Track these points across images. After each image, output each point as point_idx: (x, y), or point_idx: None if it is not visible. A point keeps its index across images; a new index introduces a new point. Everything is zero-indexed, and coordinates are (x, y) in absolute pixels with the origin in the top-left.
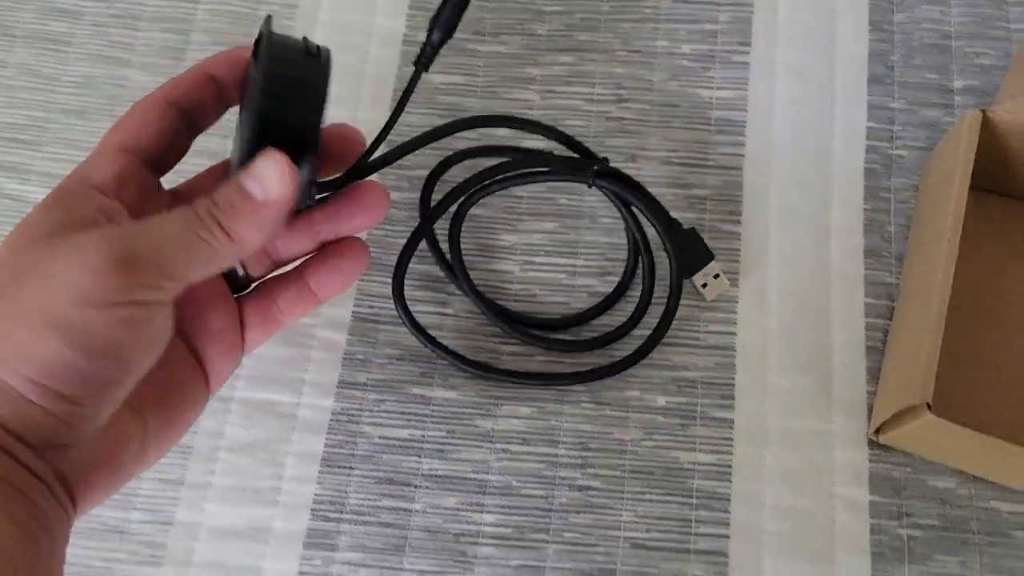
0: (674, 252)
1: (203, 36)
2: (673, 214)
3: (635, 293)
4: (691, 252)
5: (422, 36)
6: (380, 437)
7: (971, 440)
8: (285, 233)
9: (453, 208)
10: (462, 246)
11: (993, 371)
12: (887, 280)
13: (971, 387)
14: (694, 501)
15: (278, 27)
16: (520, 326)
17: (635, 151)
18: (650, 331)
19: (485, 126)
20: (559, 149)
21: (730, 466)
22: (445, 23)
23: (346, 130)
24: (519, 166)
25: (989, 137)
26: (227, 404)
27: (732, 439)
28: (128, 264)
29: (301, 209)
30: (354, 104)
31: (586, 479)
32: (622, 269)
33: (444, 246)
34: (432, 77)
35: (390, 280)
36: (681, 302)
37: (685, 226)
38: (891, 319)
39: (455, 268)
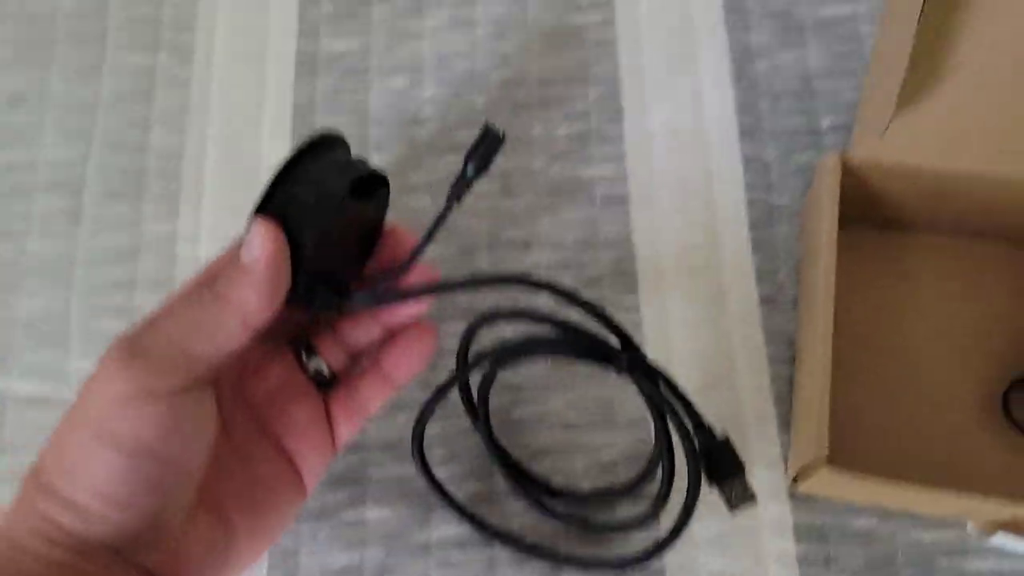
0: (698, 459)
1: (95, 195)
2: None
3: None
4: (719, 460)
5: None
6: (320, 568)
7: (872, 485)
8: (351, 323)
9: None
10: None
11: (890, 401)
12: (785, 327)
13: (871, 420)
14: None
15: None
16: (533, 491)
17: (528, 239)
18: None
19: (529, 284)
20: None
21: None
22: (481, 158)
23: (394, 232)
24: (555, 341)
25: (850, 176)
26: None
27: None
28: (135, 355)
29: (333, 310)
30: None
31: None
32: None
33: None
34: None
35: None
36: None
37: (719, 434)
38: (792, 365)
39: (481, 427)
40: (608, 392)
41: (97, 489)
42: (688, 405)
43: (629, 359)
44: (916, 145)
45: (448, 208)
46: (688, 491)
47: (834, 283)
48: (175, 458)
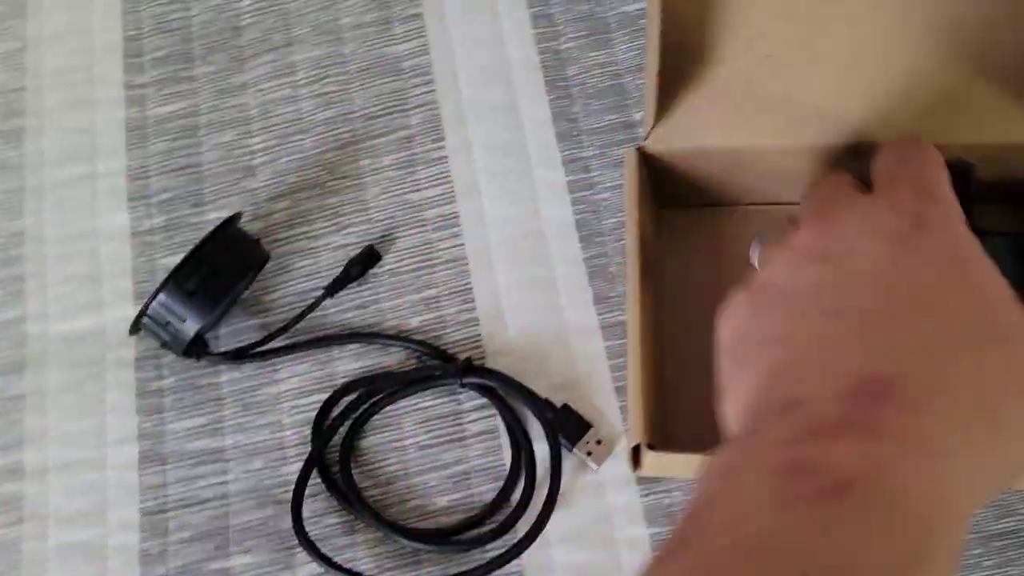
0: (550, 428)
1: None
2: (412, 319)
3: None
4: (568, 425)
5: (147, 223)
6: None
7: (695, 463)
8: None
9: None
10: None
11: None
12: (620, 319)
13: (697, 397)
14: None
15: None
16: (427, 539)
17: (371, 275)
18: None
19: (354, 341)
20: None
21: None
22: (360, 268)
23: None
24: (391, 388)
25: (655, 165)
26: None
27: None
28: None
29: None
30: (99, 309)
31: None
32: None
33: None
34: (165, 260)
35: (171, 467)
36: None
37: (557, 404)
38: None
39: (351, 496)
40: (452, 408)
41: None
42: (523, 388)
43: (462, 368)
44: (701, 127)
45: (321, 299)
46: (552, 460)
47: (639, 269)
48: None
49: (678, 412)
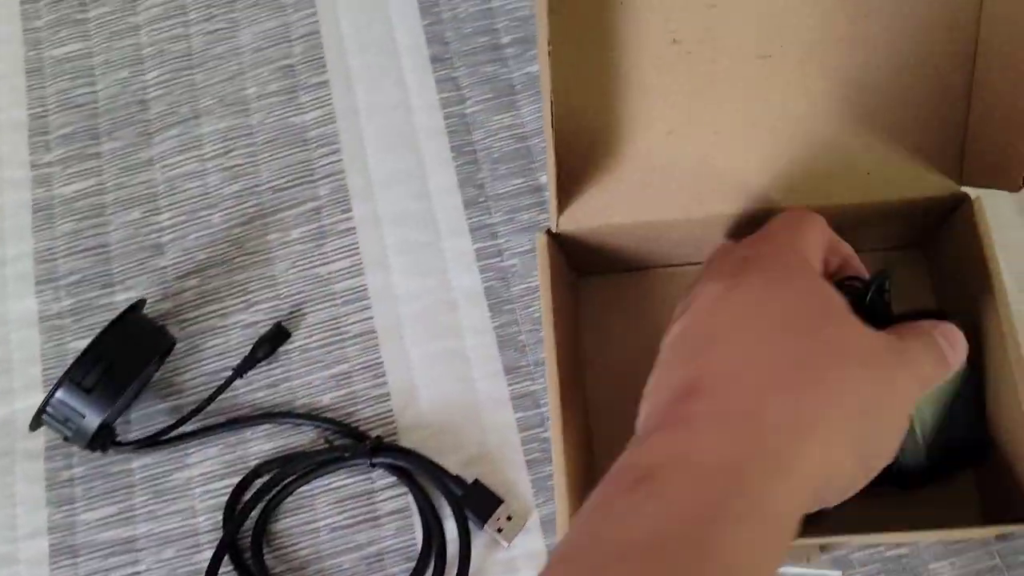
0: (458, 507)
1: None
2: (323, 396)
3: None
4: (479, 501)
5: (56, 307)
6: None
7: None
8: None
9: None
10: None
11: None
12: (530, 388)
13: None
14: None
15: None
16: None
17: (281, 353)
18: None
19: (266, 421)
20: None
21: None
22: (269, 346)
23: None
24: (303, 469)
25: (570, 242)
26: None
27: None
28: None
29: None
30: (9, 397)
31: None
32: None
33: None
34: (77, 344)
35: (83, 559)
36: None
37: (468, 480)
38: (541, 427)
39: None
40: (366, 487)
41: None
42: (432, 466)
43: (372, 447)
44: (608, 205)
45: (231, 380)
46: (460, 540)
47: (556, 356)
48: None
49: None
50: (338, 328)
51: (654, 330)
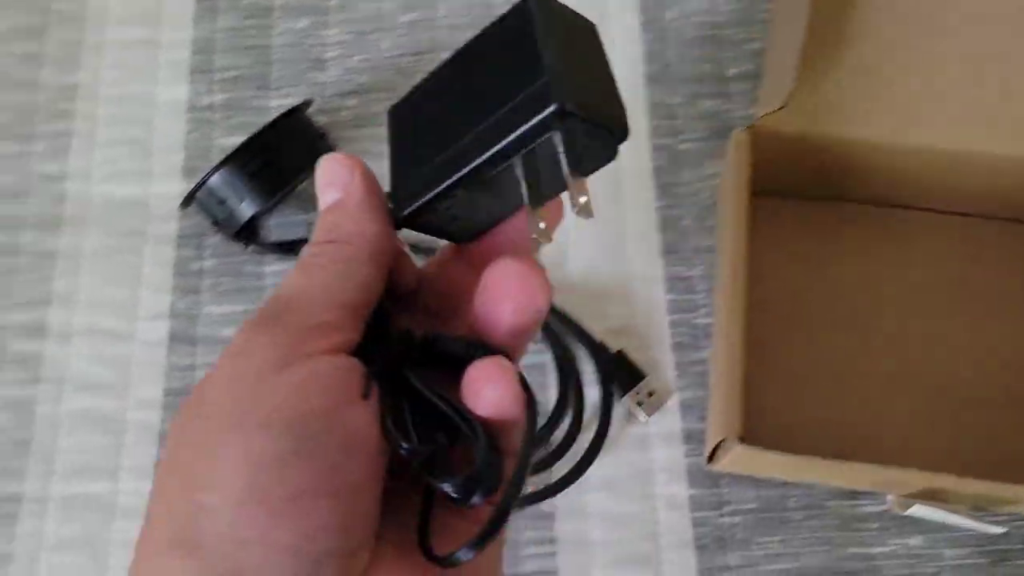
0: (605, 372)
1: None
2: None
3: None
4: (622, 373)
5: (207, 99)
6: None
7: (788, 461)
8: None
9: None
10: None
11: (807, 374)
12: (687, 274)
13: (788, 394)
14: (519, 524)
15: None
16: None
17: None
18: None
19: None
20: None
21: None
22: None
23: None
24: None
25: (763, 147)
26: (43, 504)
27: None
28: (278, 316)
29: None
30: (146, 180)
31: None
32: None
33: None
34: (222, 141)
35: (201, 350)
36: None
37: (611, 349)
38: (693, 312)
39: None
40: None
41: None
42: (580, 328)
43: None
44: (822, 114)
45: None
46: (603, 405)
47: (745, 263)
48: (336, 451)
49: (759, 409)
50: None
51: (821, 269)
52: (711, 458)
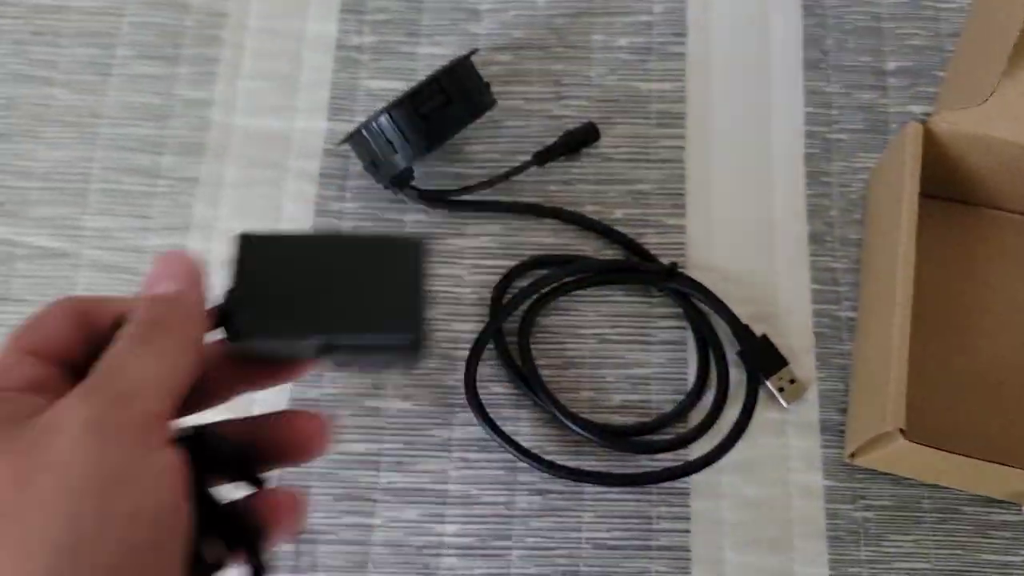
0: (750, 354)
1: (128, 50)
2: (616, 211)
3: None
4: (764, 357)
5: (356, 40)
6: (336, 453)
7: (948, 461)
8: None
9: (520, 312)
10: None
11: (960, 379)
12: (832, 265)
13: (940, 397)
14: (653, 498)
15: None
16: (598, 432)
17: (583, 153)
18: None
19: (554, 217)
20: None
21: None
22: None
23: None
24: (587, 272)
25: (931, 145)
26: None
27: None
28: (97, 387)
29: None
30: (290, 114)
31: (545, 482)
32: (690, 377)
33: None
34: (369, 83)
35: None
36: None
37: (757, 332)
38: (836, 304)
39: (527, 373)
40: (643, 310)
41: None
42: (725, 307)
43: (667, 271)
44: (1004, 117)
45: (529, 164)
46: (748, 388)
47: (914, 256)
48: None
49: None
50: (647, 147)
51: (975, 276)
52: (855, 452)
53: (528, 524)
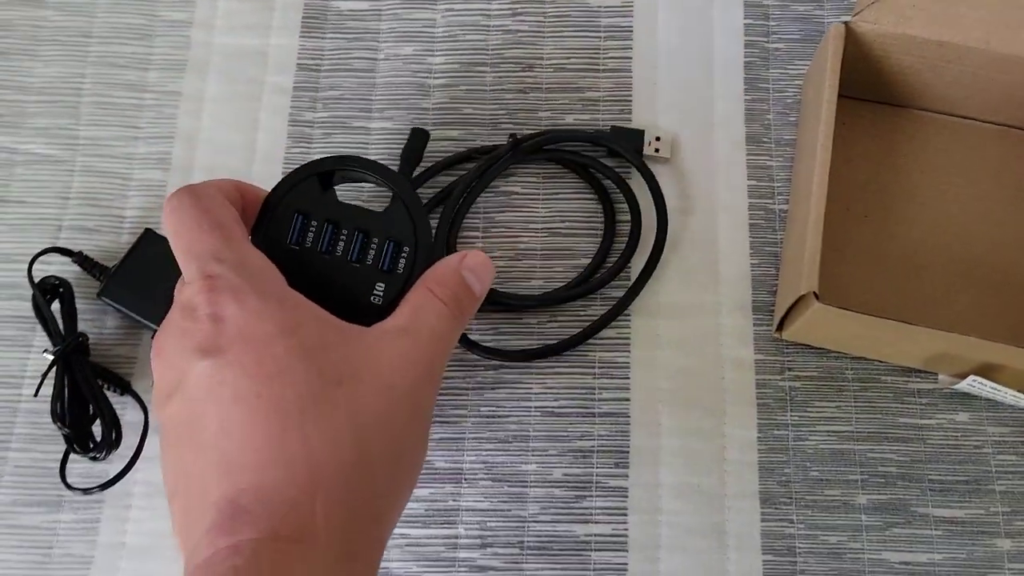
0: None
1: None
2: (568, 116)
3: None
4: (625, 140)
5: None
6: None
7: (862, 323)
8: None
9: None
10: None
11: (885, 263)
12: (768, 163)
13: (865, 278)
14: (596, 371)
15: None
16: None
17: (531, 60)
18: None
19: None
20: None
21: (628, 338)
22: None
23: None
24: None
25: (855, 47)
26: None
27: (630, 314)
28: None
29: None
30: (265, 32)
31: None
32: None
33: None
34: (339, 4)
35: None
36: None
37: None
38: (770, 199)
39: None
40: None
41: None
42: (577, 134)
43: (514, 140)
44: (922, 16)
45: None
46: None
47: (831, 144)
48: None
49: (830, 287)
50: (596, 59)
51: (897, 172)
52: (781, 325)
53: (483, 395)
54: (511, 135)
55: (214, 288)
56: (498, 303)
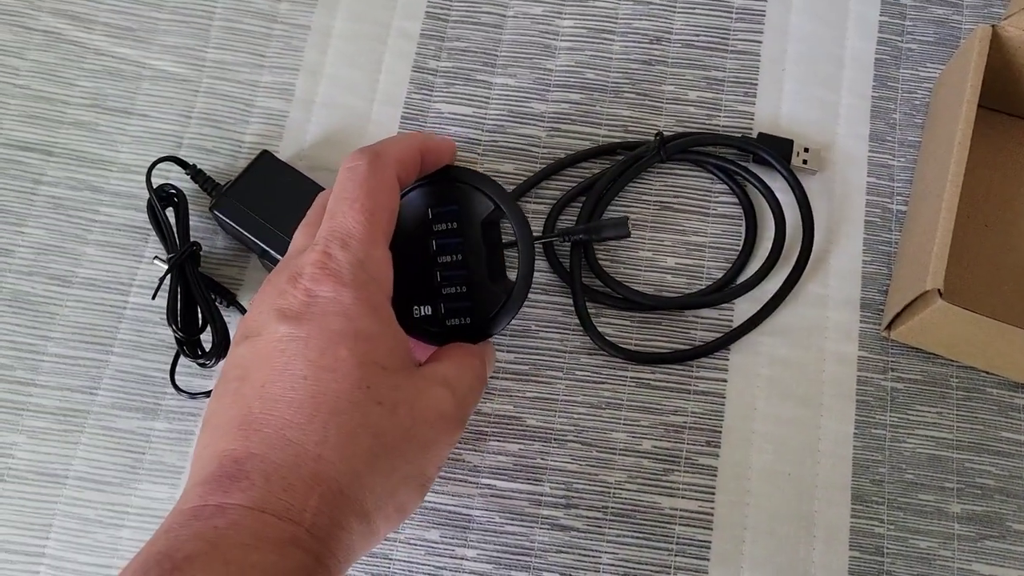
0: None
1: None
2: (691, 93)
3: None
4: (775, 147)
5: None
6: None
7: (982, 327)
8: None
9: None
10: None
11: (1000, 273)
12: (889, 162)
13: (980, 288)
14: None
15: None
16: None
17: (659, 34)
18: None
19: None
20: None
21: (731, 321)
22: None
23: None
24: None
25: (998, 53)
26: None
27: (733, 306)
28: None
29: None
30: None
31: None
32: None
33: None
34: (440, 106)
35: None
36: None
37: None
38: (888, 198)
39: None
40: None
41: None
42: (725, 138)
43: (660, 140)
44: None
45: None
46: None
47: (967, 152)
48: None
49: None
50: (725, 40)
51: (1021, 186)
52: (891, 324)
53: (579, 360)
54: (657, 133)
55: (325, 266)
56: (632, 302)
